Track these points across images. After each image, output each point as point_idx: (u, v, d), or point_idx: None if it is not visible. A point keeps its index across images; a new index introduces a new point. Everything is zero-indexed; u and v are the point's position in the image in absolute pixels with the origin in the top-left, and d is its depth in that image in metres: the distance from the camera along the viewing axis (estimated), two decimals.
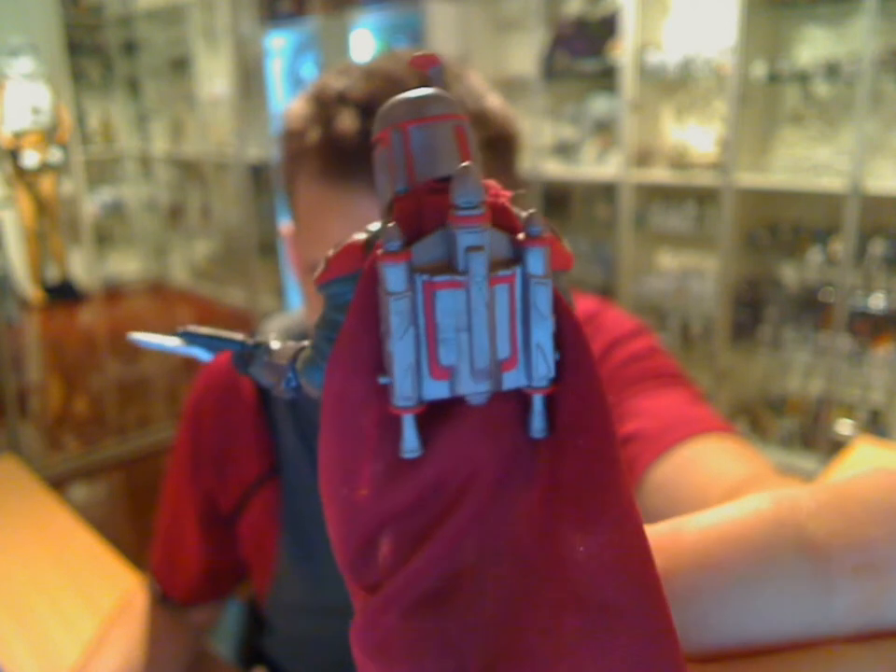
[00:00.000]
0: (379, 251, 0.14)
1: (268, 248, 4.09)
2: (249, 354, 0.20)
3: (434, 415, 0.14)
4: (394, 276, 0.13)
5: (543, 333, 0.14)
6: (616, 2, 2.63)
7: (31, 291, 4.73)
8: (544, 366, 0.14)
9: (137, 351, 3.96)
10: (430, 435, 0.14)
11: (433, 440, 0.14)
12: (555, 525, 0.13)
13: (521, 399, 0.14)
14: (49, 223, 4.72)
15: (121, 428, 3.18)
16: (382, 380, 0.14)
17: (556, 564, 0.13)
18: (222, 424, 0.73)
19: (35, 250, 4.70)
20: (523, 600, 0.13)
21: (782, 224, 2.49)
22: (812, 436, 2.47)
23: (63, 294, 4.82)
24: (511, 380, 0.14)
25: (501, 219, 0.14)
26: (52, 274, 4.86)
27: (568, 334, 0.14)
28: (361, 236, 0.15)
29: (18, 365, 3.48)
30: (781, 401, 2.58)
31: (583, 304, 0.69)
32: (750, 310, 2.55)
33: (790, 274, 2.47)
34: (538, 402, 0.14)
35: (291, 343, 0.18)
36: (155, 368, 3.80)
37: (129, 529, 2.40)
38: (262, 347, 0.20)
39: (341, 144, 0.56)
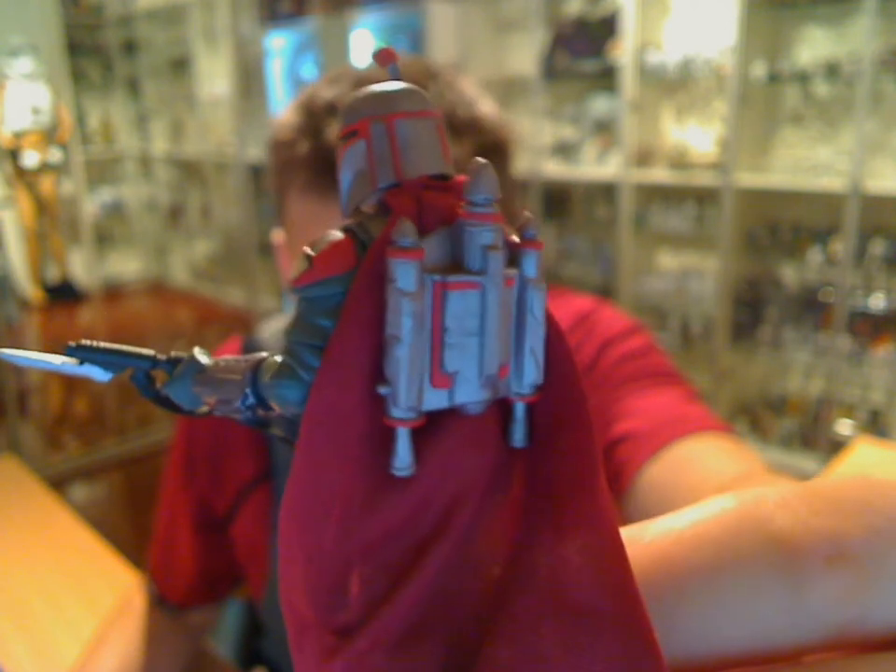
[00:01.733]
0: (390, 247, 0.13)
1: (268, 248, 4.09)
2: (161, 372, 0.18)
3: (417, 429, 0.13)
4: (408, 275, 0.12)
5: (537, 338, 0.14)
6: (616, 2, 2.62)
7: (31, 291, 4.74)
8: (534, 372, 0.14)
9: None
10: (416, 450, 0.13)
11: (420, 455, 0.13)
12: (533, 533, 0.13)
13: (500, 405, 0.14)
14: (49, 223, 4.72)
15: (121, 428, 3.18)
16: (382, 390, 0.13)
17: (534, 572, 0.13)
18: (217, 426, 0.73)
19: (35, 250, 4.70)
20: (502, 612, 0.12)
21: (782, 224, 2.49)
22: (812, 436, 2.47)
23: (63, 294, 4.82)
24: (505, 387, 0.14)
25: None
26: (52, 274, 4.86)
27: (550, 339, 0.14)
28: (339, 234, 0.14)
29: (18, 365, 3.47)
30: (781, 401, 2.58)
31: (578, 303, 0.69)
32: (750, 310, 2.55)
33: (790, 274, 2.47)
34: (520, 410, 0.14)
35: (230, 357, 0.16)
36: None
37: (129, 529, 2.40)
38: (188, 363, 0.17)
39: (330, 155, 0.56)
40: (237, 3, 4.00)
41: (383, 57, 0.15)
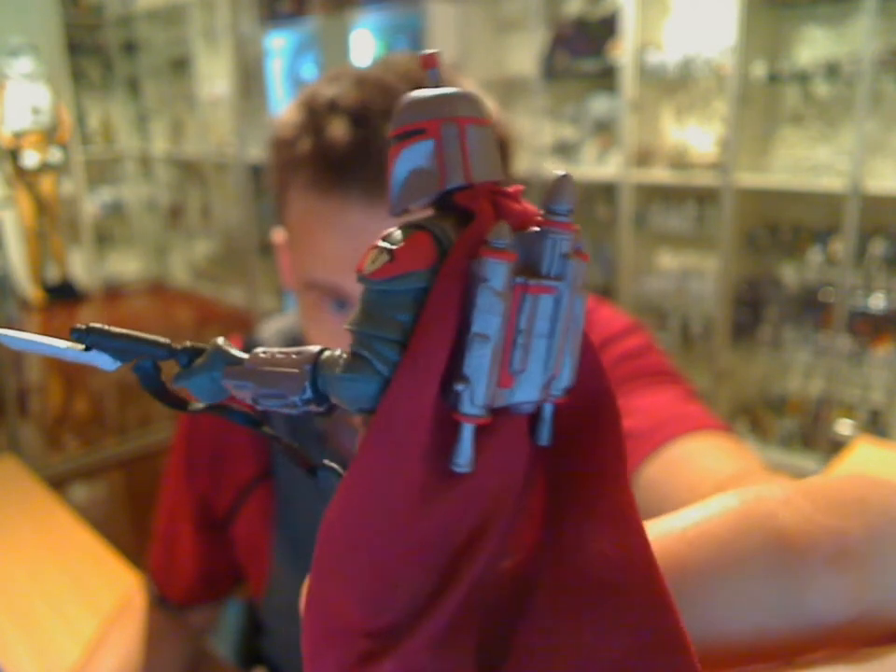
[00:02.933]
0: (486, 247, 0.13)
1: (268, 248, 4.09)
2: (169, 364, 0.17)
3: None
4: (500, 275, 0.13)
5: (577, 344, 0.14)
6: (616, 2, 2.62)
7: (31, 291, 4.74)
8: (570, 375, 0.14)
9: None
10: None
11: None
12: (562, 523, 0.14)
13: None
14: (49, 223, 4.72)
15: (121, 428, 3.18)
16: (459, 387, 0.13)
17: (562, 553, 0.13)
18: (217, 426, 0.73)
19: (35, 250, 4.70)
20: (534, 596, 0.13)
21: (782, 224, 2.49)
22: (812, 436, 2.47)
23: (62, 294, 4.82)
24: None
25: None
26: (52, 274, 4.86)
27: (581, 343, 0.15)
28: (413, 229, 0.14)
29: (18, 365, 3.48)
30: (781, 401, 2.58)
31: None
32: (750, 310, 2.55)
33: (790, 274, 2.47)
34: (548, 411, 0.14)
35: (273, 350, 0.16)
36: None
37: (129, 529, 2.40)
38: (214, 354, 0.16)
39: (332, 153, 0.55)
40: (237, 3, 4.00)
41: (426, 61, 0.15)
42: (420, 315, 0.13)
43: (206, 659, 0.83)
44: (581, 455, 0.14)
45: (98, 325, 0.16)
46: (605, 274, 2.88)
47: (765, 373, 2.61)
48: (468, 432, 0.13)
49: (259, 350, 0.16)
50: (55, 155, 4.60)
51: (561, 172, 0.14)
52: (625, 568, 0.13)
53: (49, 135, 4.56)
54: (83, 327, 0.16)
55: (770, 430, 2.56)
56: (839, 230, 2.26)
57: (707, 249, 2.67)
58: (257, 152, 4.03)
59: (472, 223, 0.13)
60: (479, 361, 0.13)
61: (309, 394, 0.15)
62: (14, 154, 4.49)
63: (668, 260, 2.86)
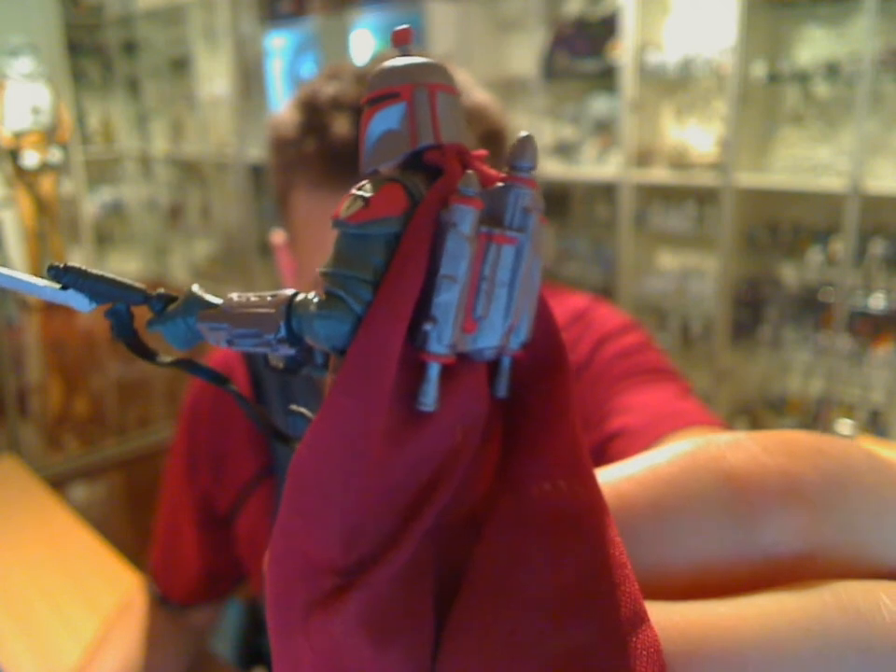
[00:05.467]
0: (456, 195, 0.14)
1: (268, 248, 4.09)
2: (142, 311, 0.17)
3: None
4: (469, 221, 0.14)
5: (533, 302, 0.15)
6: (616, 2, 2.62)
7: None
8: (527, 330, 0.15)
9: None
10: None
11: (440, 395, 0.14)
12: (516, 461, 0.14)
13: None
14: (49, 223, 4.72)
15: (121, 428, 3.18)
16: (428, 326, 0.13)
17: (512, 488, 0.14)
18: (218, 423, 0.73)
19: (35, 250, 4.70)
20: (486, 522, 0.14)
21: (782, 224, 2.49)
22: None
23: None
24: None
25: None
26: None
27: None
28: (386, 181, 0.15)
29: (18, 365, 3.48)
30: (781, 401, 2.58)
31: (574, 301, 0.70)
32: (750, 310, 2.55)
33: (790, 274, 2.47)
34: (506, 364, 0.15)
35: (246, 293, 0.16)
36: (155, 368, 3.79)
37: (129, 529, 2.40)
38: (189, 299, 0.17)
39: (340, 150, 0.56)
40: (237, 3, 4.00)
41: (400, 36, 0.16)
42: (392, 258, 0.14)
43: (206, 659, 0.83)
44: (534, 404, 0.15)
45: (76, 264, 0.17)
46: (605, 274, 2.88)
47: (765, 373, 2.61)
48: (434, 371, 0.14)
49: (233, 294, 0.16)
50: (55, 155, 4.60)
51: (524, 132, 0.14)
52: (571, 500, 0.13)
53: (49, 135, 4.56)
54: (60, 265, 0.17)
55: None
56: (839, 230, 2.26)
57: (706, 249, 2.67)
58: (257, 152, 4.03)
59: (443, 176, 0.14)
60: (447, 302, 0.13)
61: (283, 333, 0.15)
62: (14, 154, 4.49)
63: (668, 260, 2.86)
